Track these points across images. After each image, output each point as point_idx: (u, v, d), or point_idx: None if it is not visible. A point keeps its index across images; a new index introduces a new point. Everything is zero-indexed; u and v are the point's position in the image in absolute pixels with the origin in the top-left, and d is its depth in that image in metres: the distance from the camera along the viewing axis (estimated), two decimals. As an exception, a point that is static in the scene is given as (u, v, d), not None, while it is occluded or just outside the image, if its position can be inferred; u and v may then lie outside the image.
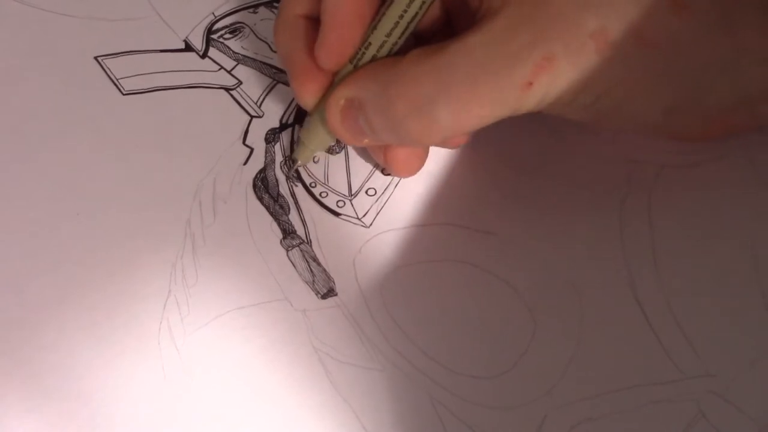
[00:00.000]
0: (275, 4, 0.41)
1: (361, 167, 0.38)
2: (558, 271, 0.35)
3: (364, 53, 0.32)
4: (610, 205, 0.36)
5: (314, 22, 0.34)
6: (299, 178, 0.38)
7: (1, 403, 0.34)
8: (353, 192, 0.37)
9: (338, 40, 0.32)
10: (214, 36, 0.41)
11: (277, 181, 0.38)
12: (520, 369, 0.34)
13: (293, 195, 0.37)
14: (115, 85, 0.40)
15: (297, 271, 0.36)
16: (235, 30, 0.41)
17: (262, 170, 0.38)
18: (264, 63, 0.40)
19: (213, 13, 0.41)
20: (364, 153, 0.38)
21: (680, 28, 0.30)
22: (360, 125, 0.33)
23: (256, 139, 0.38)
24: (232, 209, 0.37)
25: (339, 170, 0.38)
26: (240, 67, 0.40)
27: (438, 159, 0.38)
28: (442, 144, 0.36)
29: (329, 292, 0.35)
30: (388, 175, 0.38)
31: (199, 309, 0.35)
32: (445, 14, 0.35)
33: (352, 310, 0.35)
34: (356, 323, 0.35)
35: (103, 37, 0.41)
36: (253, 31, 0.41)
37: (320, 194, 0.37)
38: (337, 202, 0.37)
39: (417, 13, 0.32)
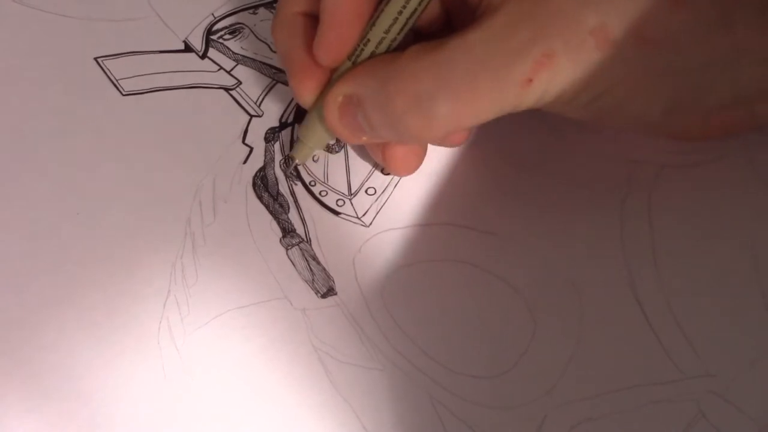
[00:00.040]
0: (275, 5, 0.41)
1: (360, 166, 0.38)
2: (558, 270, 0.35)
3: (362, 50, 0.32)
4: (611, 204, 0.36)
5: (313, 19, 0.34)
6: (299, 177, 0.38)
7: (1, 403, 0.34)
8: (353, 191, 0.37)
9: (336, 37, 0.32)
10: (214, 37, 0.41)
11: (276, 179, 0.38)
12: (520, 369, 0.34)
13: (293, 194, 0.37)
14: (115, 85, 0.40)
15: (297, 270, 0.36)
16: (234, 31, 0.41)
17: (262, 169, 0.38)
18: (263, 63, 0.40)
19: (212, 14, 0.41)
20: (364, 152, 0.38)
21: (680, 26, 0.30)
22: (358, 122, 0.33)
23: (256, 138, 0.38)
24: (231, 208, 0.37)
25: (339, 169, 0.38)
26: (239, 67, 0.40)
27: (438, 158, 0.38)
28: (441, 141, 0.36)
29: (329, 291, 0.35)
30: (388, 174, 0.38)
31: (199, 308, 0.35)
32: (445, 12, 0.35)
33: (351, 309, 0.35)
34: (356, 322, 0.35)
35: (103, 38, 0.41)
36: (252, 31, 0.41)
37: (320, 193, 0.37)
38: (337, 201, 0.37)
39: (416, 10, 0.32)
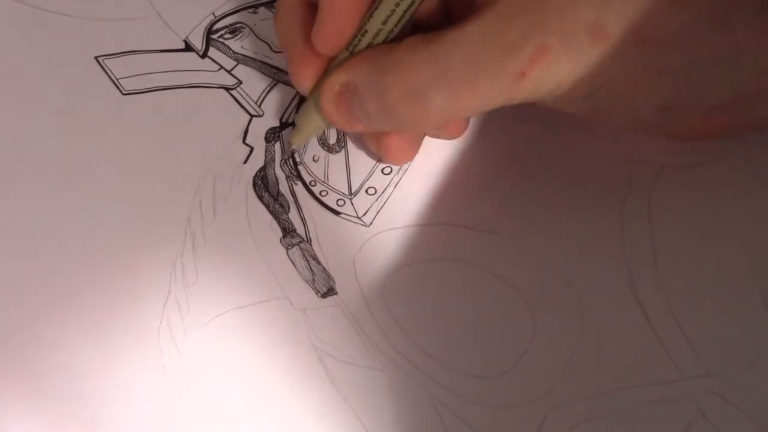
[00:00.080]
0: (275, 4, 0.41)
1: (361, 166, 0.38)
2: (558, 270, 0.35)
3: (360, 40, 0.33)
4: (611, 204, 0.36)
5: (313, 8, 0.34)
6: (299, 177, 0.38)
7: (2, 403, 0.34)
8: (353, 191, 0.37)
9: (335, 27, 0.33)
10: (214, 36, 0.41)
11: (276, 179, 0.38)
12: (520, 368, 0.34)
13: (293, 193, 0.37)
14: (116, 85, 0.40)
15: (297, 270, 0.36)
16: (235, 30, 0.41)
17: (262, 169, 0.38)
18: (264, 63, 0.40)
19: (213, 14, 0.41)
20: (364, 152, 0.38)
21: (679, 26, 0.30)
22: (354, 111, 0.33)
23: (256, 138, 0.38)
24: (232, 208, 0.37)
25: (339, 169, 0.38)
26: (240, 66, 0.40)
27: (439, 159, 0.38)
28: (437, 133, 0.36)
29: (329, 291, 0.35)
30: (380, 161, 0.38)
31: (199, 308, 0.35)
32: (443, 5, 0.35)
33: (352, 309, 0.35)
34: (356, 322, 0.35)
35: (104, 37, 0.41)
36: (253, 31, 0.41)
37: (320, 193, 0.37)
38: (337, 200, 0.37)
39: (413, 2, 0.32)
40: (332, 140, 0.38)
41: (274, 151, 0.38)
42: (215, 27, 0.41)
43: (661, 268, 0.35)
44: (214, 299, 0.35)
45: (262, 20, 0.41)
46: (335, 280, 0.36)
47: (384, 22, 0.32)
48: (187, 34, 0.41)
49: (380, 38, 0.33)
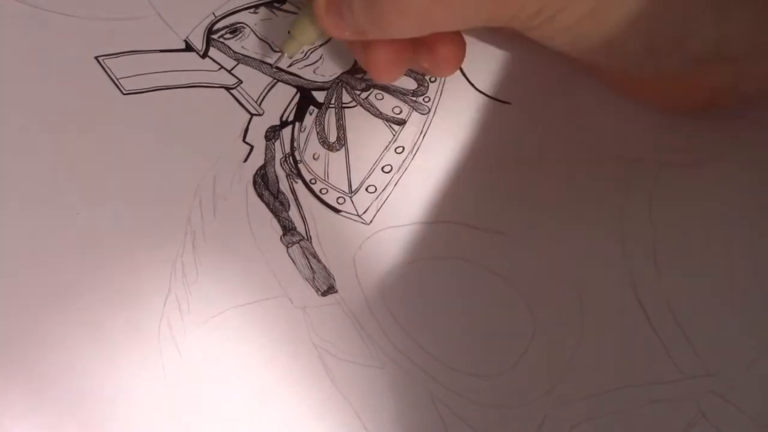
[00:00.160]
0: (275, 5, 0.41)
1: (361, 164, 0.38)
2: (558, 270, 0.35)
3: None
4: (611, 204, 0.36)
5: None
6: (299, 175, 0.38)
7: (1, 403, 0.34)
8: (353, 189, 0.37)
9: None
10: (215, 36, 0.41)
11: (277, 178, 0.38)
12: (521, 368, 0.34)
13: (293, 192, 0.37)
14: (116, 84, 0.40)
15: (297, 268, 0.36)
16: (235, 30, 0.41)
17: (262, 167, 0.38)
18: (264, 62, 0.40)
19: (213, 14, 0.41)
20: (364, 151, 0.38)
21: None
22: (343, 15, 0.33)
23: (257, 136, 0.38)
24: (232, 206, 0.37)
25: (339, 167, 0.38)
26: (240, 66, 0.40)
27: (438, 157, 0.38)
28: (428, 67, 0.36)
29: (329, 289, 0.35)
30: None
31: (200, 307, 0.35)
32: None
33: (352, 307, 0.35)
34: (356, 320, 0.35)
35: (104, 37, 0.41)
36: (253, 31, 0.41)
37: (320, 191, 0.37)
38: (338, 198, 0.37)
39: None
40: (332, 138, 0.38)
41: (274, 150, 0.38)
42: (215, 27, 0.41)
43: (661, 267, 0.35)
44: (214, 298, 0.35)
45: (262, 20, 0.41)
46: (335, 278, 0.36)
47: None
48: (187, 34, 0.41)
49: None
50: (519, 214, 0.36)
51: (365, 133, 0.38)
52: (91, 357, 0.34)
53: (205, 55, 0.41)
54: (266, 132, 0.38)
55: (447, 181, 0.37)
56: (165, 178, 0.38)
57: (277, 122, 0.39)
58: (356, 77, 0.39)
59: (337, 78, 0.39)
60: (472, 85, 0.39)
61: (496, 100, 0.38)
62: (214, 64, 0.40)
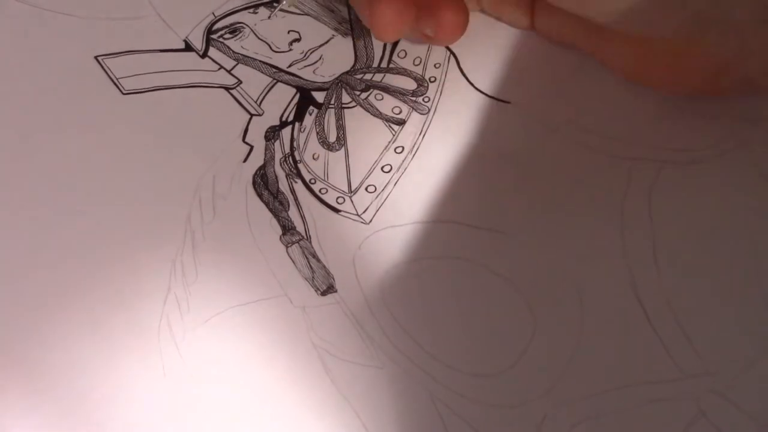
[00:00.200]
0: (275, 4, 0.41)
1: (360, 164, 0.38)
2: (558, 268, 0.35)
3: None
4: (611, 202, 0.36)
5: None
6: (299, 175, 0.38)
7: (1, 402, 0.34)
8: (353, 189, 0.37)
9: None
10: (214, 36, 0.41)
11: (276, 177, 0.38)
12: (521, 367, 0.34)
13: (293, 191, 0.37)
14: (115, 84, 0.40)
15: (296, 268, 0.36)
16: (235, 30, 0.41)
17: (262, 167, 0.38)
18: (264, 62, 0.40)
19: (213, 13, 0.41)
20: (364, 151, 0.38)
21: None
22: None
23: (256, 136, 0.38)
24: (231, 206, 0.37)
25: (339, 167, 0.38)
26: (240, 66, 0.40)
27: (438, 156, 0.38)
28: (430, 36, 0.36)
29: (329, 289, 0.35)
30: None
31: (199, 306, 0.35)
32: None
33: (351, 306, 0.35)
34: (356, 320, 0.35)
35: (103, 37, 0.41)
36: (253, 31, 0.41)
37: (320, 191, 0.37)
38: (337, 198, 0.37)
39: None
40: (332, 138, 0.38)
41: (273, 150, 0.38)
42: (215, 27, 0.41)
43: (661, 266, 0.35)
44: (213, 297, 0.35)
45: (262, 20, 0.41)
46: (335, 277, 0.36)
47: None
48: (186, 34, 0.41)
49: None
50: (519, 214, 0.36)
51: (365, 133, 0.38)
52: (90, 356, 0.34)
53: (204, 55, 0.41)
54: (266, 132, 0.39)
55: (447, 180, 0.37)
56: (164, 177, 0.38)
57: (277, 122, 0.39)
58: (356, 78, 0.39)
59: (336, 78, 0.39)
60: (472, 84, 0.39)
61: (496, 99, 0.38)
62: (214, 64, 0.40)
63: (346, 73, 0.39)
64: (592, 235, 0.35)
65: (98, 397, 0.34)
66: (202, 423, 0.33)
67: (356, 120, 0.38)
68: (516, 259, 0.35)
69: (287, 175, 0.38)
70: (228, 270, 0.36)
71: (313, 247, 0.36)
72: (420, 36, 0.37)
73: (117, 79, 0.40)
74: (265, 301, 0.35)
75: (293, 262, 0.36)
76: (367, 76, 0.39)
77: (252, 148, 0.38)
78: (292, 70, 0.40)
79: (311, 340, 0.34)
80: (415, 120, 0.38)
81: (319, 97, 0.39)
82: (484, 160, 0.37)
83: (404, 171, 0.38)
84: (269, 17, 0.39)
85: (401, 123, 0.38)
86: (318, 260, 0.36)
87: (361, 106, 0.39)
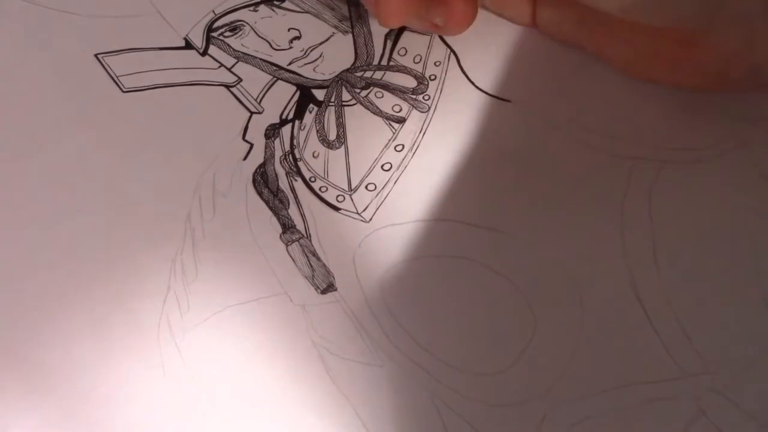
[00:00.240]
0: (275, 3, 0.41)
1: (360, 162, 0.38)
2: (559, 268, 0.35)
3: None
4: (611, 202, 0.36)
5: None
6: (299, 173, 0.38)
7: (2, 401, 0.34)
8: (353, 187, 0.37)
9: None
10: (215, 34, 0.41)
11: (276, 175, 0.38)
12: (521, 366, 0.34)
13: (293, 190, 0.37)
14: (115, 82, 0.40)
15: (296, 266, 0.36)
16: (235, 28, 0.41)
17: (262, 165, 0.38)
18: (264, 60, 0.40)
19: (213, 11, 0.41)
20: (364, 149, 0.38)
21: None
22: None
23: (256, 134, 0.38)
24: (231, 204, 0.37)
25: (339, 165, 0.38)
26: (240, 64, 0.40)
27: (438, 155, 0.38)
28: (437, 25, 0.36)
29: (329, 287, 0.35)
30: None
31: (199, 305, 0.35)
32: None
33: (351, 305, 0.35)
34: (356, 319, 0.35)
35: (104, 35, 0.41)
36: (253, 29, 0.41)
37: (320, 189, 0.37)
38: (337, 196, 0.37)
39: None
40: (332, 136, 0.38)
41: (273, 148, 0.38)
42: (215, 25, 0.41)
43: (661, 265, 0.35)
44: (213, 296, 0.35)
45: (262, 18, 0.41)
46: (335, 276, 0.36)
47: None
48: (187, 32, 0.41)
49: None
50: (519, 212, 0.36)
51: (365, 131, 0.38)
52: (90, 354, 0.34)
53: (204, 53, 0.40)
54: (266, 130, 0.38)
55: (447, 179, 0.37)
56: (164, 175, 0.38)
57: (277, 120, 0.39)
58: (356, 75, 0.39)
59: (336, 76, 0.39)
60: (472, 83, 0.39)
61: (496, 98, 0.38)
62: (214, 62, 0.40)
63: (347, 70, 0.39)
64: (592, 234, 0.35)
65: (98, 397, 0.34)
66: (202, 422, 0.33)
67: (356, 118, 0.38)
68: (516, 258, 0.35)
69: (287, 173, 0.38)
70: (228, 268, 0.36)
71: (313, 246, 0.36)
72: (428, 25, 0.37)
73: (117, 76, 0.40)
74: (264, 299, 0.35)
75: (293, 260, 0.36)
76: (368, 74, 0.39)
77: (252, 146, 0.38)
78: (292, 67, 0.40)
79: (311, 339, 0.34)
80: (415, 118, 0.38)
81: (320, 94, 0.39)
82: (484, 158, 0.37)
83: (404, 169, 0.37)
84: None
85: (401, 121, 0.38)
86: (318, 258, 0.36)
87: (362, 104, 0.39)
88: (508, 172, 0.37)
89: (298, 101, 0.39)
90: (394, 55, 0.40)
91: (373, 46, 0.40)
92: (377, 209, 0.37)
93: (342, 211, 0.37)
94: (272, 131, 0.38)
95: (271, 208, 0.37)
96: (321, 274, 0.36)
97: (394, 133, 0.38)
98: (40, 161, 0.38)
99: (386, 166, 0.38)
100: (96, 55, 0.40)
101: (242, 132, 0.38)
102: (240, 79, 0.40)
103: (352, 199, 0.37)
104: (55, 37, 0.41)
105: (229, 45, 0.41)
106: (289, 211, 0.37)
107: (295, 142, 0.38)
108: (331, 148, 0.38)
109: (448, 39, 0.40)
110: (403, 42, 0.40)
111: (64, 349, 0.34)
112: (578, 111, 0.37)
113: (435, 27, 0.36)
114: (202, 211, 0.37)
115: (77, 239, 0.36)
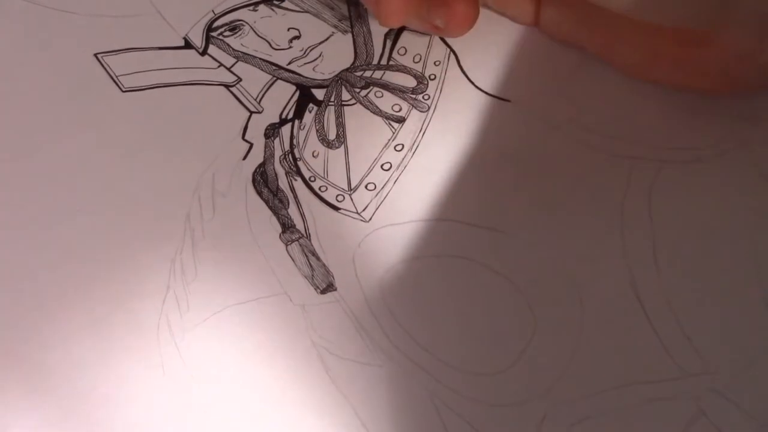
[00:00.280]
0: (275, 2, 0.41)
1: (360, 162, 0.38)
2: (559, 268, 0.35)
3: None
4: (611, 202, 0.36)
5: None
6: (298, 173, 0.38)
7: (2, 401, 0.34)
8: (353, 186, 0.37)
9: None
10: (214, 33, 0.41)
11: (276, 175, 0.38)
12: (521, 366, 0.34)
13: (292, 189, 0.37)
14: (115, 82, 0.40)
15: (296, 266, 0.36)
16: (234, 27, 0.41)
17: (262, 165, 0.38)
18: (264, 60, 0.40)
19: (213, 11, 0.41)
20: (363, 148, 0.38)
21: None
22: None
23: (256, 134, 0.38)
24: (231, 204, 0.37)
25: (338, 165, 0.38)
26: (240, 64, 0.40)
27: (438, 155, 0.38)
28: (439, 27, 0.36)
29: (328, 287, 0.35)
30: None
31: (198, 305, 0.35)
32: None
33: (351, 305, 0.35)
34: (355, 318, 0.35)
35: (103, 34, 0.41)
36: (252, 28, 0.41)
37: (319, 188, 0.37)
38: (337, 196, 0.37)
39: None
40: (332, 136, 0.38)
41: (273, 147, 0.38)
42: (215, 24, 0.41)
43: (661, 265, 0.35)
44: (213, 296, 0.35)
45: (261, 18, 0.41)
46: (334, 275, 0.36)
47: None
48: (186, 32, 0.41)
49: None
50: (519, 212, 0.36)
51: (365, 130, 0.38)
52: (90, 354, 0.34)
53: (204, 53, 0.40)
54: (265, 129, 0.38)
55: (446, 178, 0.37)
56: (164, 175, 0.38)
57: (277, 120, 0.39)
58: (356, 75, 0.39)
59: (336, 76, 0.39)
60: (472, 82, 0.39)
61: (496, 97, 0.38)
62: (214, 61, 0.40)
63: (346, 70, 0.39)
64: (592, 234, 0.35)
65: (98, 397, 0.34)
66: (202, 422, 0.33)
67: (356, 117, 0.38)
68: (516, 258, 0.35)
69: (287, 173, 0.38)
70: (227, 268, 0.36)
71: (312, 245, 0.36)
72: (428, 27, 0.37)
73: (116, 76, 0.40)
74: (264, 299, 0.35)
75: (293, 260, 0.36)
76: (367, 74, 0.39)
77: (251, 145, 0.38)
78: (291, 67, 0.40)
79: (311, 339, 0.34)
80: (415, 118, 0.38)
81: (319, 94, 0.39)
82: (484, 158, 0.37)
83: (404, 169, 0.37)
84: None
85: (401, 121, 0.38)
86: (317, 258, 0.36)
87: (361, 103, 0.39)
88: (508, 171, 0.37)
89: (298, 101, 0.39)
90: (394, 54, 0.40)
91: (372, 46, 0.40)
92: (377, 209, 0.37)
93: (342, 211, 0.37)
94: (272, 131, 0.38)
95: (270, 208, 0.37)
96: (321, 273, 0.36)
97: (393, 133, 0.38)
98: (40, 161, 0.38)
99: (386, 166, 0.38)
100: (95, 55, 0.40)
101: (242, 132, 0.38)
102: (239, 79, 0.40)
103: (351, 199, 0.37)
104: (55, 37, 0.41)
105: (228, 45, 0.41)
106: (289, 210, 0.37)
107: (294, 141, 0.38)
108: (330, 148, 0.38)
109: (447, 39, 0.40)
110: (402, 41, 0.40)
111: (64, 349, 0.34)
112: (578, 111, 0.37)
113: (435, 29, 0.36)
114: (201, 211, 0.37)
115: (77, 239, 0.36)
